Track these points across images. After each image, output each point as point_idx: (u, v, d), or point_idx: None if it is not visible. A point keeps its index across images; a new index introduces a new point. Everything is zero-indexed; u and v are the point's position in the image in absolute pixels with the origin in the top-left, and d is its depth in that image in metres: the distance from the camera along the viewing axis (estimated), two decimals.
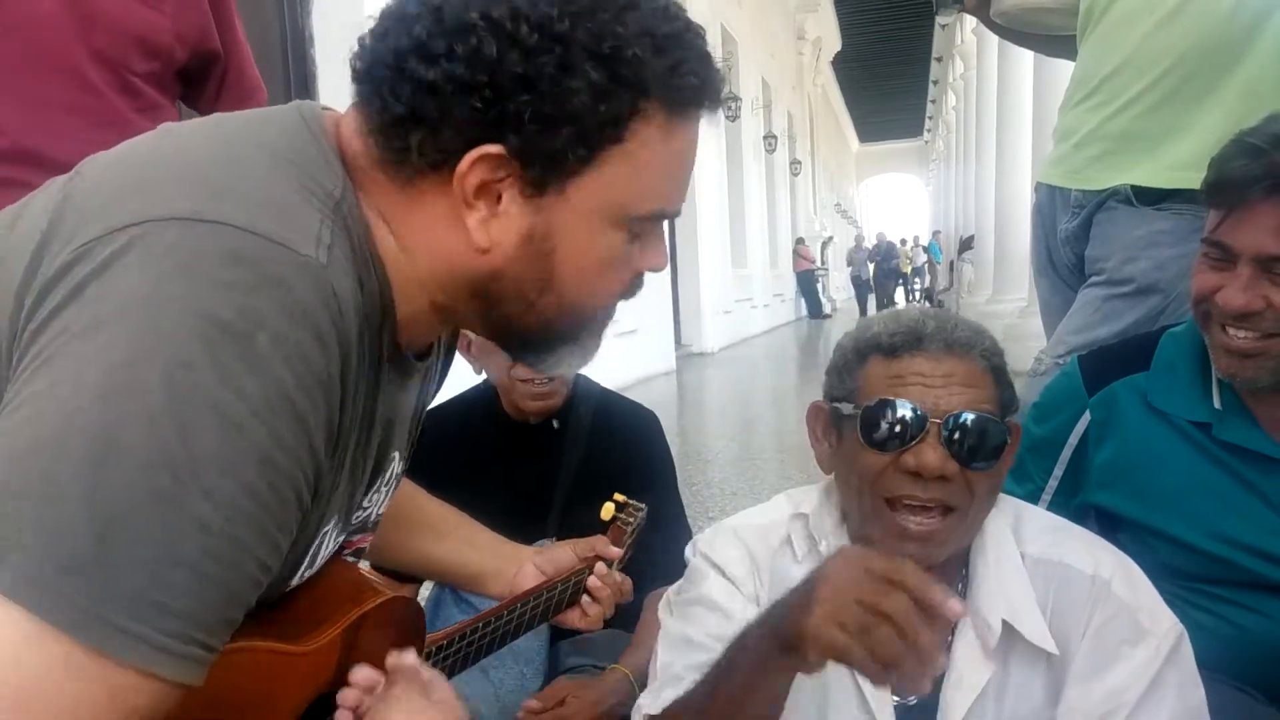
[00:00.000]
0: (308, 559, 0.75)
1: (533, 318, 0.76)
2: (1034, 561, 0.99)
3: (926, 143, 30.79)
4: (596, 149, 0.68)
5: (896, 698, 0.98)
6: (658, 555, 1.40)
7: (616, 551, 1.20)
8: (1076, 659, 0.95)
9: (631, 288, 0.80)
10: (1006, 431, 0.96)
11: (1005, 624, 0.95)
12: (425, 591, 1.61)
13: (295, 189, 0.65)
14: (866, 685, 0.97)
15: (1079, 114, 1.77)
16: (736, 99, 12.19)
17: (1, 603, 0.51)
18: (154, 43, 1.42)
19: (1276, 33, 1.56)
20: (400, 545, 1.15)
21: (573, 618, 1.18)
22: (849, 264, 20.81)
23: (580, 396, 1.63)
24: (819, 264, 19.49)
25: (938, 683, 0.97)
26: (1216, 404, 1.24)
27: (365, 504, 0.83)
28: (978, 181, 12.50)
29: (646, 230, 0.76)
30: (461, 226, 0.70)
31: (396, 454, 0.85)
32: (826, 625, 0.75)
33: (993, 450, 0.94)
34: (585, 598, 1.18)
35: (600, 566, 1.20)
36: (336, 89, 4.29)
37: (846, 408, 0.99)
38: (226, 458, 0.55)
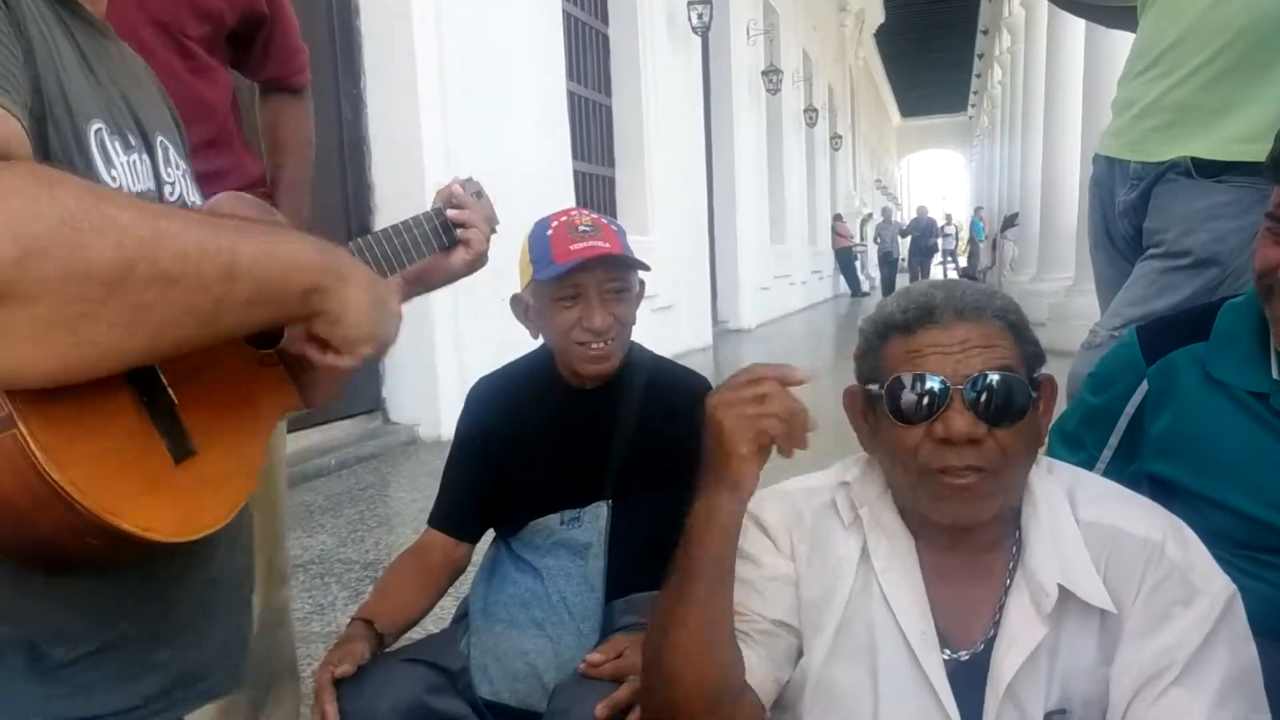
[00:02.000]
0: (95, 145, 0.77)
1: None
2: (1088, 526, 1.00)
3: (970, 118, 30.32)
4: None
5: (947, 652, 1.01)
6: None
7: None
8: (1130, 619, 0.97)
9: None
10: (1031, 385, 0.98)
11: (1061, 588, 0.97)
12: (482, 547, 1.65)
13: None
14: (916, 644, 1.00)
15: (1139, 85, 1.77)
16: (778, 71, 12.10)
17: None
18: (206, 7, 1.47)
19: None
20: None
21: (458, 260, 1.20)
22: (876, 240, 19.94)
23: (634, 362, 1.64)
24: (858, 241, 19.24)
25: (989, 641, 0.99)
26: (1275, 375, 1.24)
27: (165, 177, 0.87)
28: (1024, 158, 12.32)
29: None
30: None
31: (161, 138, 0.89)
32: (735, 434, 0.94)
33: (1019, 406, 0.96)
34: (459, 232, 1.20)
35: (457, 190, 1.23)
36: (383, 59, 4.35)
37: (875, 388, 1.01)
38: None
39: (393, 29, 4.35)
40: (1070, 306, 6.83)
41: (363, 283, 0.80)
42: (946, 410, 0.95)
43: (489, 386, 1.69)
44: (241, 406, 0.82)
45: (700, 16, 8.37)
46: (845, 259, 18.55)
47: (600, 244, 1.45)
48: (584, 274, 1.45)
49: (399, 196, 4.10)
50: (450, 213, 1.20)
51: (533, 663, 1.45)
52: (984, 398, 0.94)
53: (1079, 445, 1.42)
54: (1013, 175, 14.59)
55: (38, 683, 0.71)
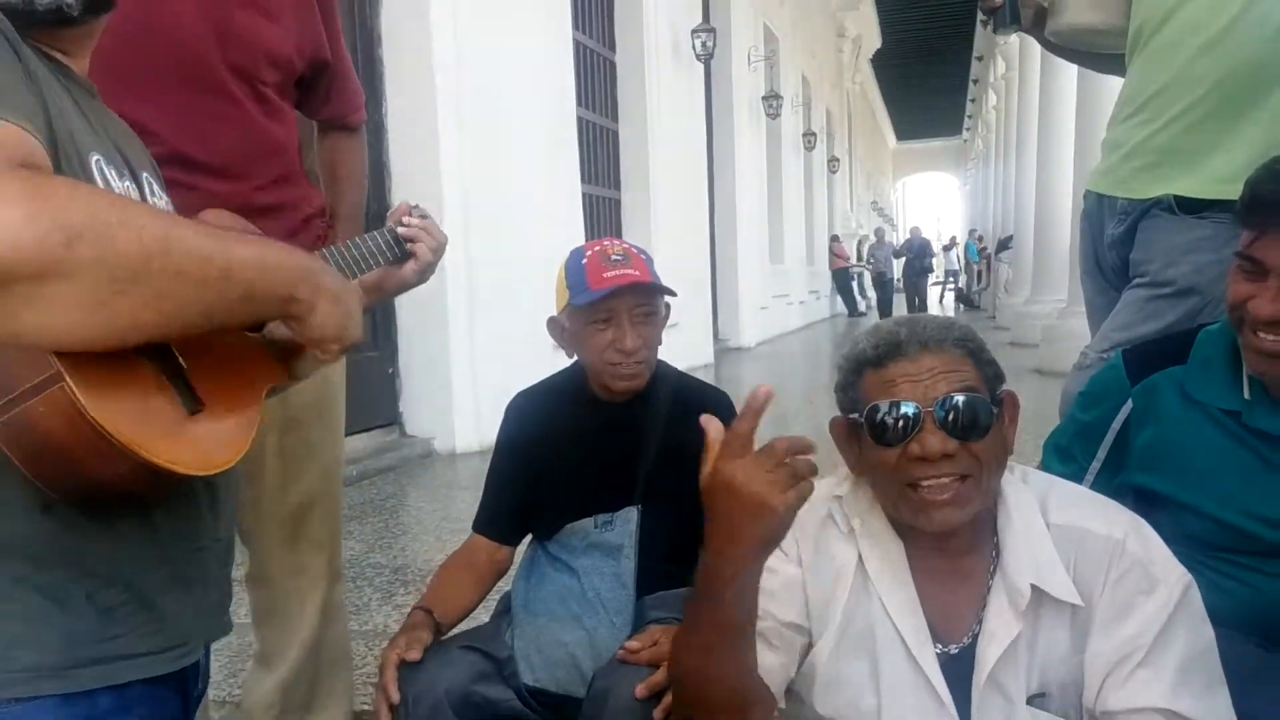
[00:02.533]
0: (96, 172, 0.91)
1: None
2: (1058, 529, 1.11)
3: (965, 141, 30.51)
4: None
5: (939, 646, 1.12)
6: None
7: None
8: (1098, 611, 1.07)
9: None
10: (993, 402, 1.10)
11: (1034, 587, 1.08)
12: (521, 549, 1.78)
13: None
14: (911, 640, 1.11)
15: (1127, 128, 1.90)
16: (778, 96, 12.26)
17: None
18: (279, 55, 1.57)
19: None
20: None
21: (409, 270, 1.32)
22: (868, 261, 19.34)
23: (659, 378, 1.73)
24: (854, 262, 19.26)
25: (974, 636, 1.11)
26: (1246, 394, 1.37)
27: (151, 204, 0.99)
28: (1018, 181, 12.44)
29: None
30: None
31: (145, 174, 1.02)
32: (770, 493, 0.97)
33: (984, 422, 1.07)
34: (410, 246, 1.33)
35: (401, 209, 1.35)
36: (404, 88, 4.51)
37: (856, 416, 1.13)
38: None
39: (414, 60, 4.50)
40: (1063, 328, 6.91)
41: (332, 292, 0.93)
42: (920, 431, 1.06)
43: (526, 401, 1.80)
44: (237, 377, 0.95)
45: (704, 44, 8.54)
46: (842, 279, 18.63)
47: (631, 272, 1.57)
48: (616, 300, 1.56)
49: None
50: (401, 230, 1.33)
51: (572, 652, 1.56)
52: (951, 417, 1.06)
53: (1070, 458, 1.55)
54: (1007, 198, 14.69)
55: (95, 620, 0.86)
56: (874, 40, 20.67)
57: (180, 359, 0.86)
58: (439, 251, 1.38)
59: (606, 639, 1.57)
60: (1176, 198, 1.79)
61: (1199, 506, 1.39)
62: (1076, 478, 1.49)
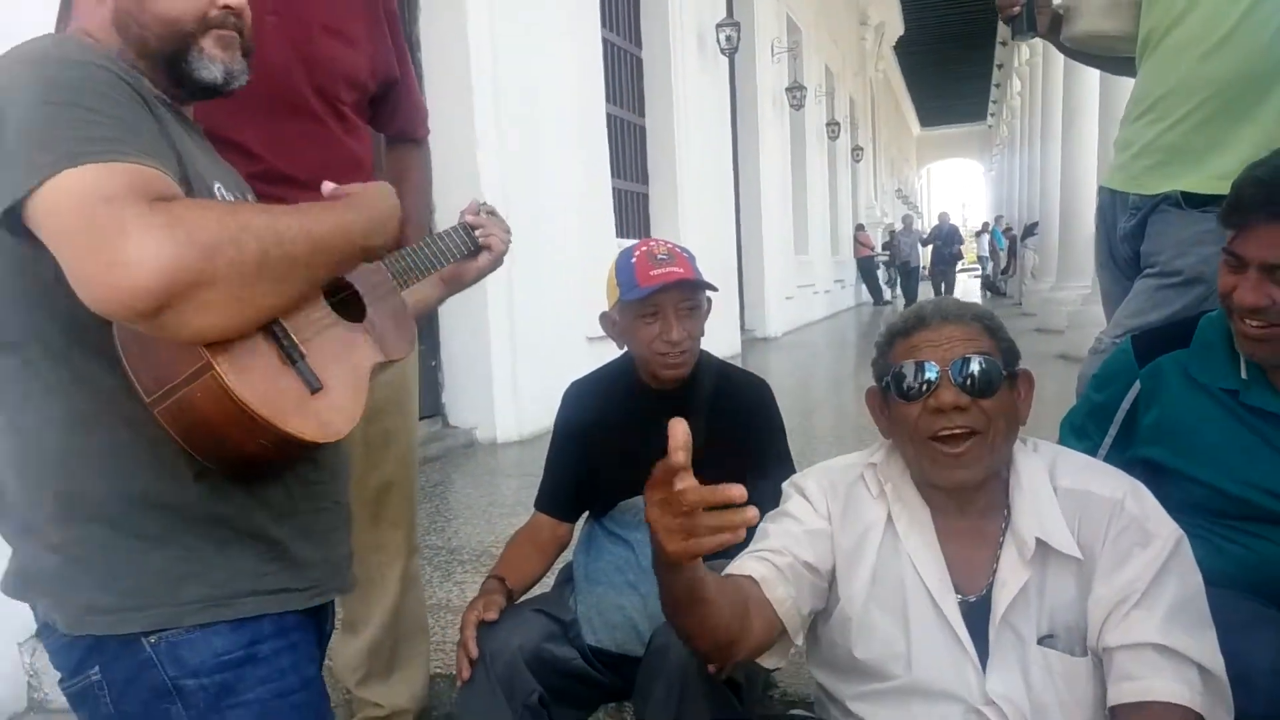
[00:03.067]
0: (219, 196, 1.07)
1: (151, 34, 1.05)
2: (1065, 492, 1.26)
3: (990, 127, 30.27)
4: None
5: (960, 596, 1.27)
6: (770, 504, 1.69)
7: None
8: (1099, 562, 1.21)
9: (220, 19, 1.09)
10: (1003, 366, 1.25)
11: (1039, 540, 1.23)
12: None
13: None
14: (935, 590, 1.26)
15: (1137, 128, 2.03)
16: (801, 88, 12.31)
17: (57, 175, 0.85)
18: (356, 77, 1.71)
19: None
20: None
21: (483, 261, 1.47)
22: (884, 249, 19.13)
23: (703, 367, 1.88)
24: (879, 250, 19.16)
25: (990, 586, 1.26)
26: (1243, 375, 1.51)
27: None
28: (1043, 168, 12.41)
29: None
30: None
31: (249, 197, 1.18)
32: (668, 538, 1.04)
33: (995, 382, 1.23)
34: (482, 238, 1.47)
35: (472, 206, 1.49)
36: (443, 92, 4.67)
37: (886, 380, 1.30)
38: (79, 90, 0.91)
39: (452, 63, 4.65)
40: (1088, 314, 6.97)
41: (391, 229, 1.14)
42: (938, 388, 1.23)
43: (581, 389, 1.94)
44: (346, 360, 1.10)
45: (728, 38, 8.63)
46: (867, 268, 18.60)
47: (676, 270, 1.72)
48: (663, 295, 1.70)
49: (457, 213, 4.38)
50: (470, 218, 1.50)
51: (629, 616, 1.72)
52: (965, 375, 1.22)
53: (1085, 435, 1.69)
54: (1032, 184, 14.63)
55: (251, 560, 1.03)
56: (897, 27, 20.57)
57: (301, 347, 1.02)
58: (507, 242, 1.55)
59: (659, 604, 1.73)
60: (1183, 193, 1.91)
61: (1202, 478, 1.52)
62: (1091, 454, 1.63)
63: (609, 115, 6.64)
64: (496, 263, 1.55)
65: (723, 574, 1.31)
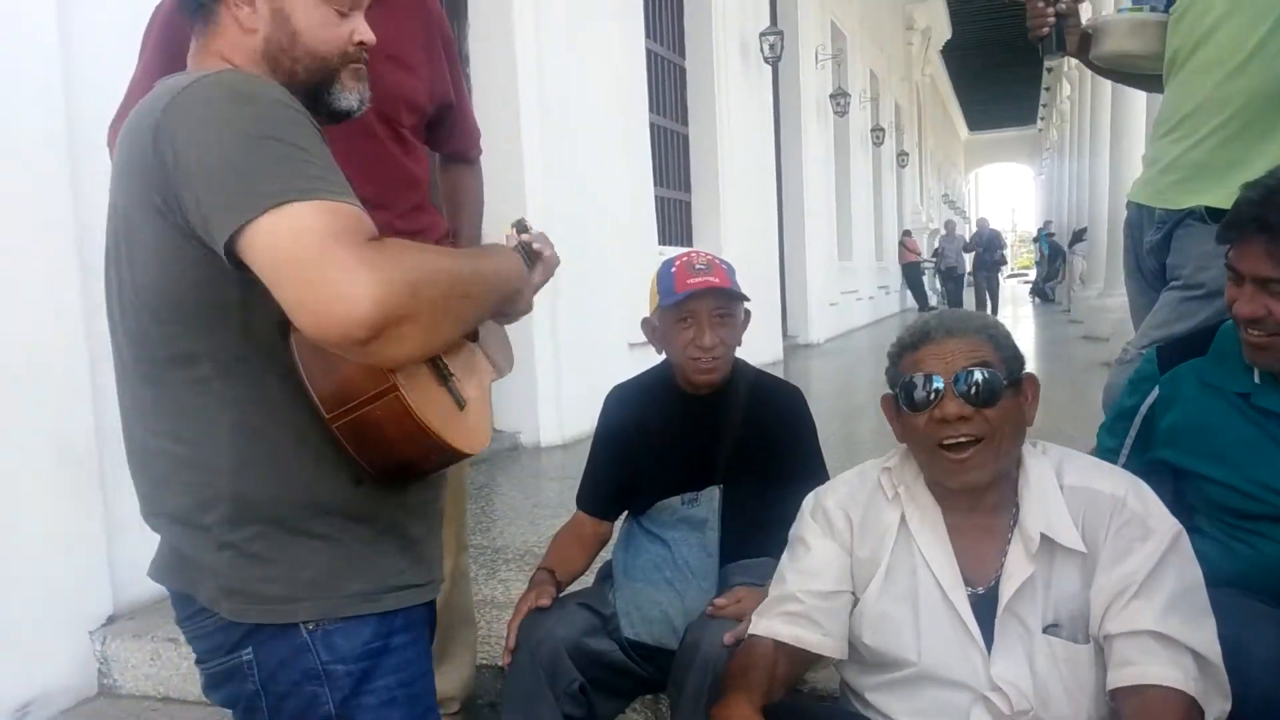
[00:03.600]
0: None
1: (301, 67, 1.13)
2: (1070, 489, 1.33)
3: (1040, 131, 29.87)
4: None
5: (969, 589, 1.35)
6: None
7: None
8: (1102, 555, 1.29)
9: (355, 54, 1.17)
10: (1005, 376, 1.32)
11: (1044, 535, 1.30)
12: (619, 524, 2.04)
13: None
14: (946, 583, 1.34)
15: (1163, 145, 2.08)
16: (845, 94, 12.30)
17: (281, 207, 0.91)
18: (414, 102, 1.81)
19: None
20: None
21: (538, 273, 1.45)
22: (937, 255, 18.61)
23: (739, 374, 1.95)
24: (925, 256, 19.00)
25: (998, 578, 1.33)
26: (1256, 379, 1.58)
27: None
28: (1091, 173, 12.27)
29: (348, 10, 1.15)
30: (237, 24, 1.11)
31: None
32: None
33: (996, 392, 1.31)
34: (536, 247, 1.47)
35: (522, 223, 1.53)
36: (491, 107, 4.81)
37: (897, 390, 1.39)
38: (283, 131, 0.97)
39: (499, 76, 4.79)
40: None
41: (527, 281, 1.27)
42: (942, 399, 1.31)
43: (623, 393, 2.03)
44: (473, 377, 1.20)
45: (771, 47, 8.70)
46: (913, 274, 18.46)
47: (712, 279, 1.81)
48: (697, 302, 1.80)
49: (504, 221, 4.50)
50: (524, 238, 1.56)
51: (665, 611, 1.81)
52: (968, 387, 1.31)
53: (1114, 435, 1.76)
54: (1081, 190, 14.47)
55: (393, 558, 1.13)
56: (944, 31, 20.42)
57: (449, 368, 1.12)
58: (556, 255, 1.64)
59: (695, 600, 1.82)
60: (1207, 208, 1.96)
61: (1215, 476, 1.59)
62: (1117, 456, 1.71)
63: (652, 124, 6.75)
64: (549, 274, 1.61)
65: (749, 634, 1.46)
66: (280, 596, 1.06)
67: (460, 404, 1.10)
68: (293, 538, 1.06)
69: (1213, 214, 1.96)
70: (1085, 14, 2.32)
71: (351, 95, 1.17)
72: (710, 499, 1.89)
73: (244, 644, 1.08)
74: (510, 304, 1.22)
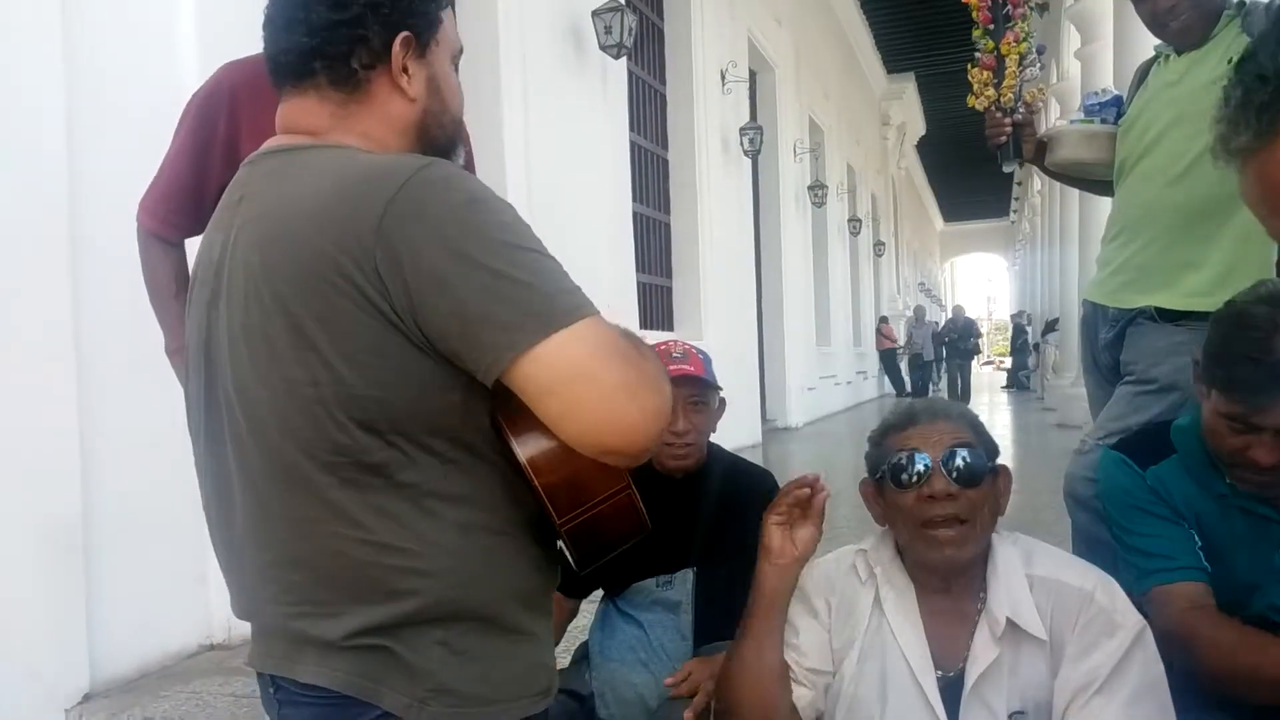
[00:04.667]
0: None
1: (442, 132, 1.11)
2: (1040, 580, 1.37)
3: (1013, 223, 30.60)
4: (440, 14, 1.10)
5: (939, 672, 1.38)
6: None
7: None
8: (1068, 647, 1.31)
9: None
10: (987, 458, 1.39)
11: (1009, 620, 1.34)
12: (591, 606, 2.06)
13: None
14: (916, 665, 1.37)
15: (1113, 248, 2.21)
16: (823, 186, 12.65)
17: (558, 336, 0.89)
18: None
19: None
20: None
21: None
22: (907, 341, 18.58)
23: (714, 459, 2.00)
24: (901, 343, 19.23)
25: (966, 661, 1.37)
26: (1226, 481, 1.59)
27: None
28: (1062, 265, 12.59)
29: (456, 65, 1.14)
30: (399, 93, 1.06)
31: None
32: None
33: (980, 473, 1.37)
34: None
35: None
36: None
37: (883, 470, 1.43)
38: (530, 239, 0.96)
39: (489, 166, 4.95)
40: None
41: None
42: (931, 476, 1.37)
43: None
44: None
45: (751, 141, 9.00)
46: (890, 360, 18.62)
47: (688, 367, 1.88)
48: (673, 389, 1.88)
49: None
50: None
51: (640, 693, 1.83)
52: (955, 466, 1.36)
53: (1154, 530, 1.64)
54: (1052, 281, 14.79)
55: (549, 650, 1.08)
56: (918, 127, 21.10)
57: None
58: None
59: (663, 686, 1.82)
60: (1157, 309, 2.08)
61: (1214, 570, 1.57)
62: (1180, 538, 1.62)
63: (635, 213, 6.93)
64: None
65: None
66: (490, 697, 0.99)
67: None
68: (503, 636, 1.01)
69: (1162, 314, 2.08)
70: (1042, 126, 2.48)
71: (459, 157, 1.14)
72: (684, 581, 1.92)
73: None
74: None
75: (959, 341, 16.66)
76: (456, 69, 1.15)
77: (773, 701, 1.38)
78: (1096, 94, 2.40)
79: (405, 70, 1.05)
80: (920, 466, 1.37)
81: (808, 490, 1.41)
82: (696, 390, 1.90)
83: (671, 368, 1.88)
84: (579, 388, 0.89)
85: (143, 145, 2.07)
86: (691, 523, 1.94)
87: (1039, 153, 2.43)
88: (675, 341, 2.02)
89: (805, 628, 1.47)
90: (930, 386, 17.58)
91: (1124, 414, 2.10)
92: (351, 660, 0.96)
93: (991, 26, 2.36)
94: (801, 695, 1.43)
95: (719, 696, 1.47)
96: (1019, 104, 2.38)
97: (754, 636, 1.38)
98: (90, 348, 2.53)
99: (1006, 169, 2.51)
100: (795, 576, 1.42)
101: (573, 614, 2.05)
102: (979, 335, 18.63)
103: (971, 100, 2.43)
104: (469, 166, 2.10)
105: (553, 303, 0.90)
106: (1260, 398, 1.43)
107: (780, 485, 2.10)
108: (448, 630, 0.97)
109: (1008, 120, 2.37)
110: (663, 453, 1.90)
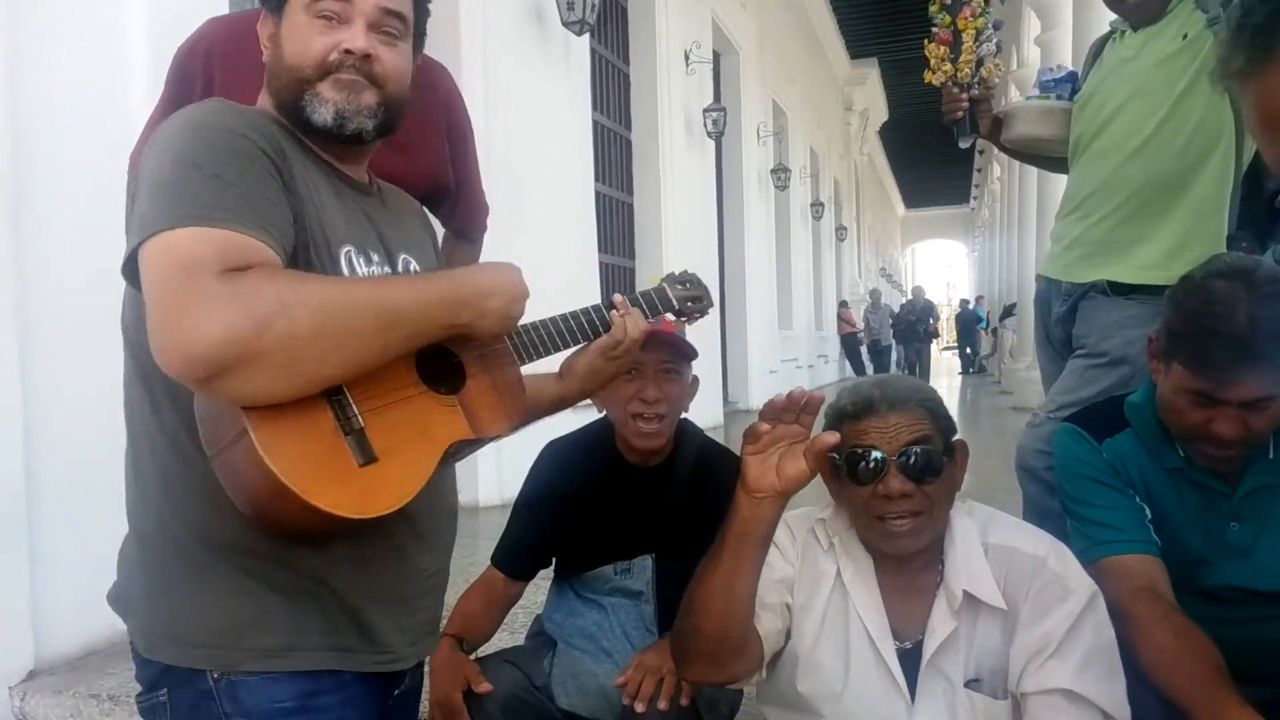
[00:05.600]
0: (344, 261, 1.08)
1: (282, 84, 1.11)
2: (994, 548, 1.38)
3: (972, 210, 30.96)
4: None
5: (898, 643, 1.39)
6: None
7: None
8: (1022, 614, 1.33)
9: (337, 63, 1.11)
10: (945, 452, 1.37)
11: (966, 592, 1.34)
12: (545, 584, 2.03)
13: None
14: (876, 636, 1.37)
15: (1068, 223, 2.24)
16: (786, 169, 12.67)
17: (163, 234, 0.91)
18: (403, 181, 1.75)
19: (1214, 167, 2.00)
20: None
21: (603, 342, 1.40)
22: (864, 327, 18.49)
23: (686, 440, 1.91)
24: (861, 328, 19.39)
25: (924, 631, 1.37)
26: (1180, 454, 1.61)
27: (404, 270, 1.19)
28: (1020, 250, 12.72)
29: (338, 20, 1.10)
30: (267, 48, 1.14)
31: (404, 255, 1.20)
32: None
33: (936, 468, 1.35)
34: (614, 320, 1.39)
35: (618, 298, 1.44)
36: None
37: (837, 458, 1.38)
38: (220, 155, 0.98)
39: None
40: None
41: (500, 291, 1.11)
42: (885, 475, 1.34)
43: (560, 454, 1.94)
44: (418, 433, 1.05)
45: (715, 123, 8.96)
46: (850, 344, 18.79)
47: (660, 328, 1.72)
48: (645, 352, 1.67)
49: None
50: (616, 299, 1.46)
51: (602, 683, 1.77)
52: (911, 463, 1.34)
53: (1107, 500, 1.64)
54: (1011, 267, 14.95)
55: (324, 616, 1.05)
56: (881, 113, 21.20)
57: (361, 417, 0.98)
58: (634, 335, 1.44)
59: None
60: (1109, 282, 2.10)
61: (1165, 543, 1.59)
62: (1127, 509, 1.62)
63: (598, 193, 6.89)
64: (614, 347, 1.41)
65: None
66: (184, 640, 1.02)
67: (365, 459, 0.96)
68: (201, 580, 1.02)
69: (1115, 287, 2.10)
70: (999, 103, 2.49)
71: (326, 108, 1.10)
72: (643, 569, 1.85)
73: (161, 683, 1.06)
74: (459, 329, 1.07)
75: (917, 324, 16.59)
76: (333, 19, 1.11)
77: (740, 633, 1.35)
78: (1051, 70, 2.42)
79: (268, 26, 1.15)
80: (875, 465, 1.35)
81: (784, 398, 1.28)
82: (670, 356, 1.79)
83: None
84: (150, 298, 0.92)
85: (90, 111, 2.01)
86: (657, 508, 1.86)
87: (995, 129, 2.44)
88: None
89: (775, 565, 1.44)
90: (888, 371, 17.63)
91: (1075, 386, 2.12)
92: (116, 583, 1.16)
93: (949, 1, 2.36)
94: (768, 626, 1.41)
95: (681, 620, 1.40)
96: (975, 79, 2.39)
97: (723, 567, 1.30)
98: (36, 315, 2.45)
99: (963, 144, 2.52)
100: (775, 512, 1.29)
101: (516, 599, 1.96)
102: (938, 318, 18.85)
103: (928, 75, 2.43)
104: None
105: (167, 211, 0.93)
106: (1226, 371, 1.43)
107: None
108: (152, 560, 1.08)
109: (964, 95, 2.38)
110: (629, 427, 1.79)
